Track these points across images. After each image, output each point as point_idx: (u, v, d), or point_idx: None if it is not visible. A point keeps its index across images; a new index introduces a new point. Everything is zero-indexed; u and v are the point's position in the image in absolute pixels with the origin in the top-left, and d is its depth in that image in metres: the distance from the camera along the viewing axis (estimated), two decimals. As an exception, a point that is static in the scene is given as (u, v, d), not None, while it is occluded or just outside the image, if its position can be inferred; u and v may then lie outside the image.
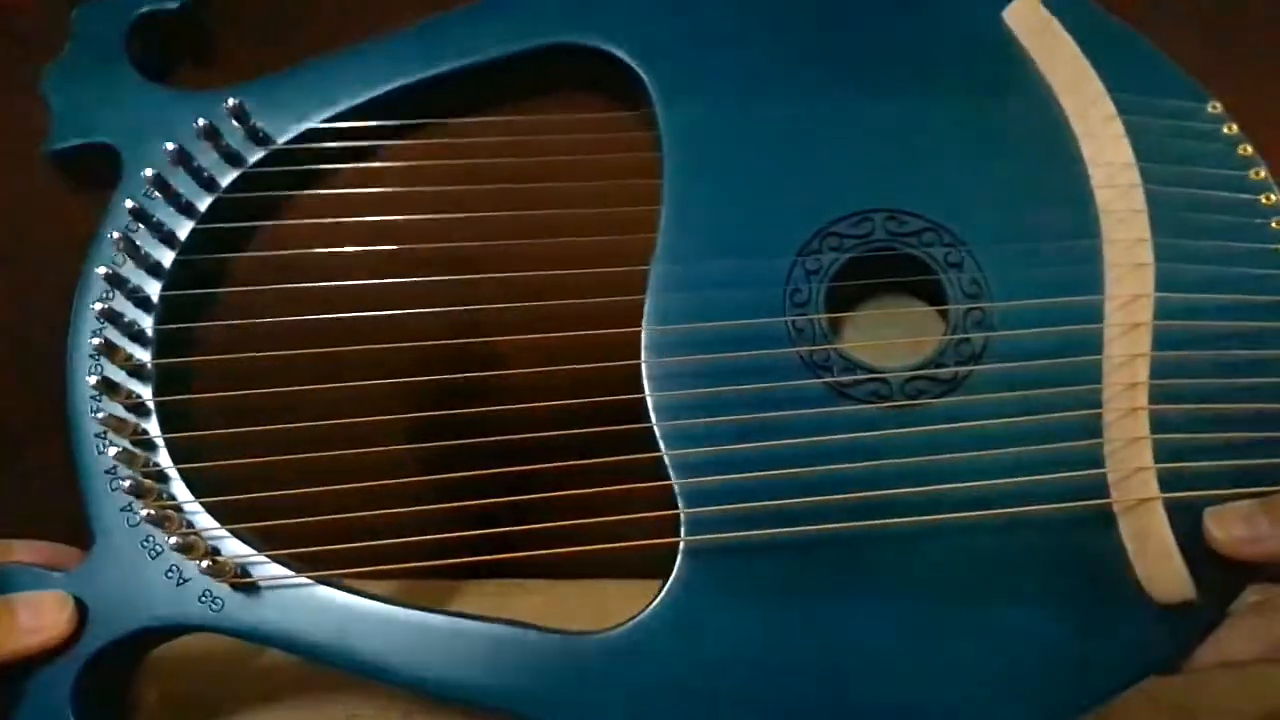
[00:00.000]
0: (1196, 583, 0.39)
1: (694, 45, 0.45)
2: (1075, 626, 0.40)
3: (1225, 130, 0.45)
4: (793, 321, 0.42)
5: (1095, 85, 0.44)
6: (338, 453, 0.40)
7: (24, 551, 0.41)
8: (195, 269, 0.44)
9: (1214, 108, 0.45)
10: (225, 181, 0.44)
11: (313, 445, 0.40)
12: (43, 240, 0.50)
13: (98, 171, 0.44)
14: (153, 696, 0.44)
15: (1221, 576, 0.40)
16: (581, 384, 0.41)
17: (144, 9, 0.45)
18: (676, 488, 0.40)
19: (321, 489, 0.40)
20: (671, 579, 0.40)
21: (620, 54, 0.45)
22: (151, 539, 0.40)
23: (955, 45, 0.45)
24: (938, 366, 0.42)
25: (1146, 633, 0.40)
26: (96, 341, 0.41)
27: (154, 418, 0.41)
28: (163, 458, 0.41)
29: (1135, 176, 0.43)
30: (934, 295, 0.43)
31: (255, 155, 0.44)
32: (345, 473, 0.40)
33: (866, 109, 0.44)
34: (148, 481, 0.40)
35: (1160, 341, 0.41)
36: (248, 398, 0.42)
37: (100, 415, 0.40)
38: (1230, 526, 0.39)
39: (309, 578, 0.40)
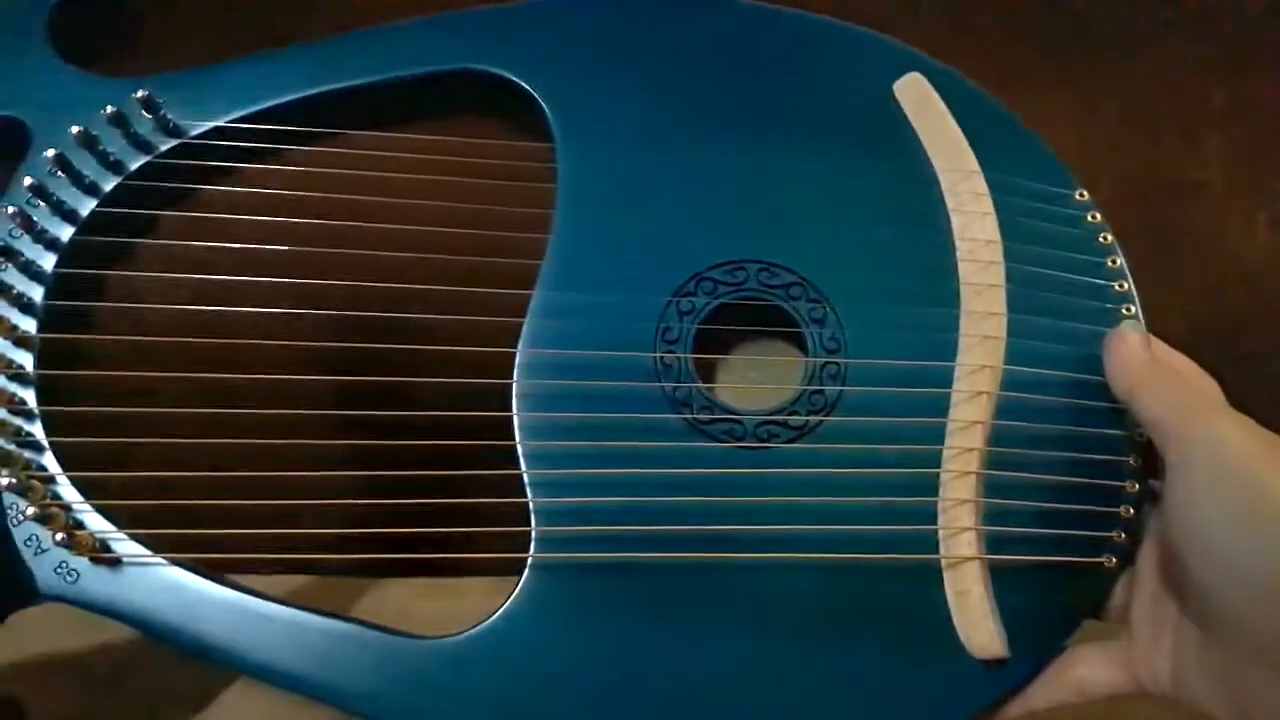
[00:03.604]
0: (1012, 642, 0.42)
1: (598, 87, 0.47)
2: (897, 672, 0.42)
3: (1089, 218, 0.47)
4: (661, 357, 0.44)
5: (970, 162, 0.46)
6: (208, 440, 0.42)
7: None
8: (93, 249, 0.45)
9: (1081, 195, 0.48)
10: (132, 167, 0.45)
11: (185, 430, 0.42)
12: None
13: (10, 144, 0.46)
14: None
15: (1036, 638, 0.42)
16: (458, 396, 0.43)
17: (69, -9, 0.46)
18: (531, 505, 0.42)
19: (190, 474, 0.41)
20: (515, 593, 0.42)
21: (527, 87, 0.47)
22: (15, 507, 0.41)
23: (845, 113, 0.48)
24: (791, 413, 0.44)
25: (963, 685, 0.42)
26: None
27: (33, 389, 0.42)
28: (37, 429, 0.42)
29: (997, 253, 0.45)
30: (800, 346, 0.46)
31: (165, 145, 0.46)
32: (215, 458, 0.42)
33: (755, 164, 0.46)
34: (14, 449, 0.41)
35: (1003, 411, 0.44)
36: (128, 379, 0.43)
37: (-25, 381, 0.41)
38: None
39: (165, 558, 0.41)
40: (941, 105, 0.47)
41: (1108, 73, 0.78)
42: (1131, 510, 0.43)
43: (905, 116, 0.48)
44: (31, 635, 0.41)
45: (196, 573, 0.41)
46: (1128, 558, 0.43)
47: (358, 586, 0.49)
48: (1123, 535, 0.43)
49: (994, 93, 0.72)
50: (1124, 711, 0.51)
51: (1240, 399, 0.39)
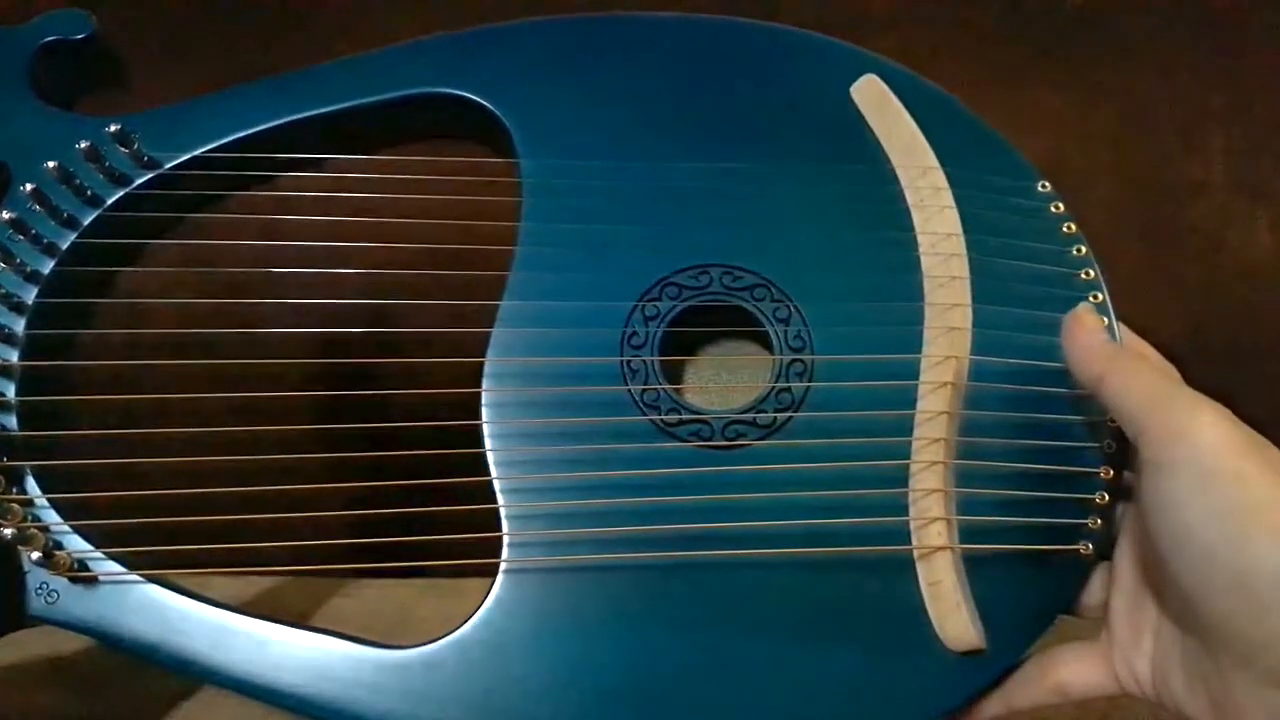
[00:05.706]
0: (989, 634, 0.41)
1: (558, 102, 0.48)
2: (872, 666, 0.42)
3: (1052, 209, 0.47)
4: (627, 362, 0.44)
5: (928, 159, 0.47)
6: (184, 459, 0.43)
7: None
8: (73, 279, 0.46)
9: (1043, 186, 0.48)
10: (110, 199, 0.46)
11: (166, 450, 0.43)
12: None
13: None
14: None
15: (1013, 629, 0.42)
16: (431, 407, 0.43)
17: (48, 38, 0.48)
18: (502, 511, 0.42)
19: (163, 492, 0.42)
20: (488, 598, 0.42)
21: (489, 106, 0.48)
22: (-5, 533, 0.42)
23: (803, 116, 0.48)
24: (759, 412, 0.44)
25: (939, 677, 0.42)
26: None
27: (14, 415, 0.43)
28: (18, 454, 0.43)
29: (960, 246, 0.46)
30: (766, 346, 0.46)
31: (141, 177, 0.47)
32: (187, 476, 0.42)
33: (716, 170, 0.47)
34: (-6, 477, 0.42)
35: (972, 401, 0.44)
36: (105, 402, 0.44)
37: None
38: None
39: (142, 575, 0.42)
40: (898, 104, 0.48)
41: (1108, 73, 0.79)
42: (1106, 496, 0.43)
43: (863, 117, 0.48)
44: (23, 638, 0.42)
45: (173, 589, 0.42)
46: (1103, 545, 0.43)
47: (359, 586, 0.49)
48: (1098, 521, 0.43)
49: (993, 92, 0.72)
50: (1124, 709, 0.51)
51: (1241, 398, 0.38)
